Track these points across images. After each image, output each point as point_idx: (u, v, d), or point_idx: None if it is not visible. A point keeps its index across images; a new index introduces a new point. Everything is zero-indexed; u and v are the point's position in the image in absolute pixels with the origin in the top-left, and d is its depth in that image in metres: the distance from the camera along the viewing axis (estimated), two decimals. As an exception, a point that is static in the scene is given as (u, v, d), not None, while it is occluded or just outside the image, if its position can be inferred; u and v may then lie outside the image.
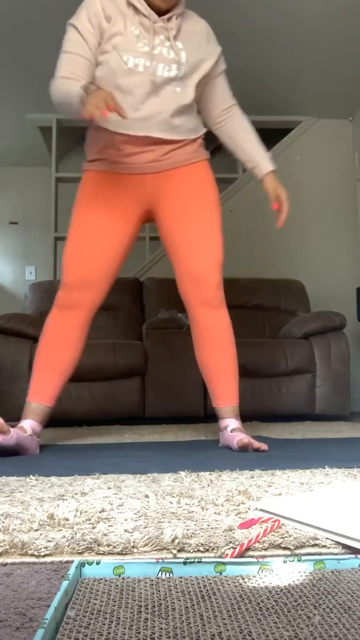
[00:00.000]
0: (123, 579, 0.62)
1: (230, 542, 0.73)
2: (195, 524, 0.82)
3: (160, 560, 0.65)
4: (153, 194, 1.86)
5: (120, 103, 1.61)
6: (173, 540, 0.73)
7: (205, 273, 1.83)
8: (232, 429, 1.81)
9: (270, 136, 4.44)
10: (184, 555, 0.71)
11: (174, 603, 0.55)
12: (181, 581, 0.61)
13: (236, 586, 0.59)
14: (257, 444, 1.69)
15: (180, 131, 1.83)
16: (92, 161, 1.87)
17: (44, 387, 1.78)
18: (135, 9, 1.74)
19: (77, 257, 1.81)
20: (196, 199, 1.87)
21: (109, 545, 0.72)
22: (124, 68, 1.72)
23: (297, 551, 0.72)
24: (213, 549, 0.72)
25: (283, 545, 0.73)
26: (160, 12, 1.76)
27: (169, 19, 1.76)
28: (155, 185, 1.85)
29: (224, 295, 1.88)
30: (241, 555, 0.71)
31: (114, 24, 1.72)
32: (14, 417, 1.86)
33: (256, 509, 0.90)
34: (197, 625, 0.49)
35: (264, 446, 1.70)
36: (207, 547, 0.72)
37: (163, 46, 1.75)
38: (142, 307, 3.76)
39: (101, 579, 0.62)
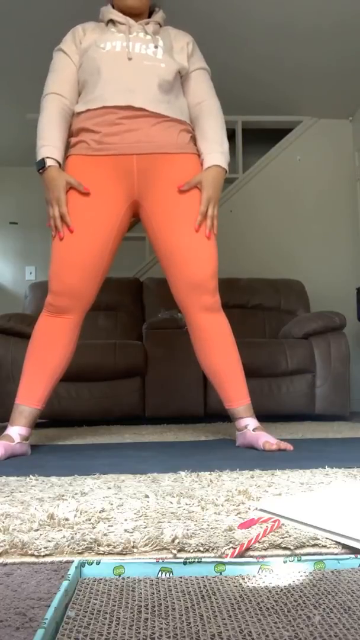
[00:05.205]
0: (123, 579, 0.62)
1: (230, 542, 0.73)
2: (195, 524, 0.82)
3: (160, 560, 0.65)
4: (140, 182, 1.80)
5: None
6: (173, 540, 0.73)
7: (205, 280, 1.80)
8: (253, 428, 1.82)
9: (270, 136, 4.46)
10: (184, 555, 0.71)
11: (174, 603, 0.55)
12: (181, 581, 0.61)
13: (236, 586, 0.59)
14: (283, 445, 1.71)
15: (165, 107, 1.79)
16: (75, 145, 1.82)
17: (33, 390, 1.76)
18: (113, 22, 1.87)
19: (62, 265, 1.78)
20: (186, 198, 1.80)
21: (109, 545, 0.72)
22: (102, 52, 1.80)
23: (297, 551, 0.72)
24: (213, 549, 0.72)
25: (283, 545, 0.73)
26: (136, 17, 1.88)
27: (146, 24, 1.87)
28: (142, 171, 1.79)
29: (219, 298, 1.87)
30: (241, 555, 0.71)
31: (91, 33, 1.87)
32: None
33: (256, 509, 0.90)
34: (197, 625, 0.49)
35: (289, 447, 1.72)
36: (207, 547, 0.72)
37: (139, 32, 1.85)
38: (142, 307, 3.76)
39: (101, 579, 0.62)
